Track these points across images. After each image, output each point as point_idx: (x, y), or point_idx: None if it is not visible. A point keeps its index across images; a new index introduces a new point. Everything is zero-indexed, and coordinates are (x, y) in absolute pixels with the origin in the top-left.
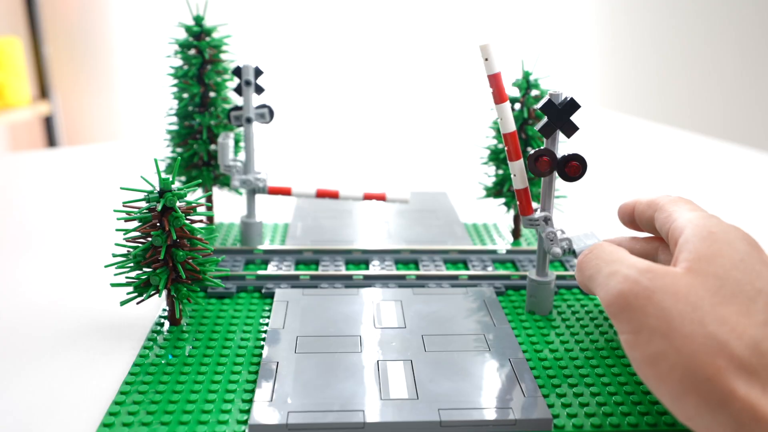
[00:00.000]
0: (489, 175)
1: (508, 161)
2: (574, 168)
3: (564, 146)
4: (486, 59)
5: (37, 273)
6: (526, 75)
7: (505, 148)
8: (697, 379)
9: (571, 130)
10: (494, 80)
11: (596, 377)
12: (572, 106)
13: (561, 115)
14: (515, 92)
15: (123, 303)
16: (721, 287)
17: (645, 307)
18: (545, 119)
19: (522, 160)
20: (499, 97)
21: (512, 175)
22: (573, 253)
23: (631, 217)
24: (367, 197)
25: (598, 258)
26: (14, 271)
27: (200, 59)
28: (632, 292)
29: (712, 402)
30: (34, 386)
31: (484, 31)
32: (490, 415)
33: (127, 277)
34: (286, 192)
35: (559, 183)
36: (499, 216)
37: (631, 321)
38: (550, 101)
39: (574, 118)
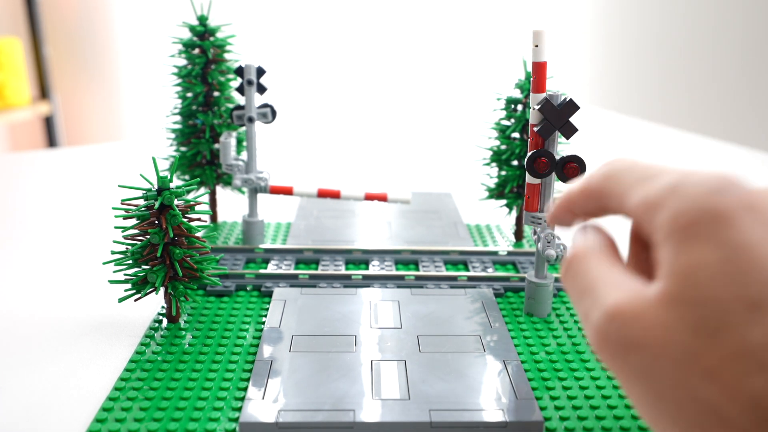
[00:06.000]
0: (491, 176)
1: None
2: (572, 170)
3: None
4: (536, 46)
5: (37, 271)
6: (529, 76)
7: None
8: None
9: (570, 131)
10: (539, 69)
11: (591, 380)
12: (571, 107)
13: (560, 116)
14: (517, 93)
15: (121, 300)
16: (703, 320)
17: (622, 367)
18: (544, 120)
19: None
20: (537, 86)
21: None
22: None
23: (571, 216)
24: (369, 197)
25: (574, 279)
26: (15, 270)
27: (204, 59)
28: (606, 347)
29: None
30: (34, 382)
31: (486, 31)
32: (481, 416)
33: (125, 275)
34: (287, 191)
35: (562, 185)
36: (502, 217)
37: (615, 371)
38: (548, 102)
39: (574, 119)
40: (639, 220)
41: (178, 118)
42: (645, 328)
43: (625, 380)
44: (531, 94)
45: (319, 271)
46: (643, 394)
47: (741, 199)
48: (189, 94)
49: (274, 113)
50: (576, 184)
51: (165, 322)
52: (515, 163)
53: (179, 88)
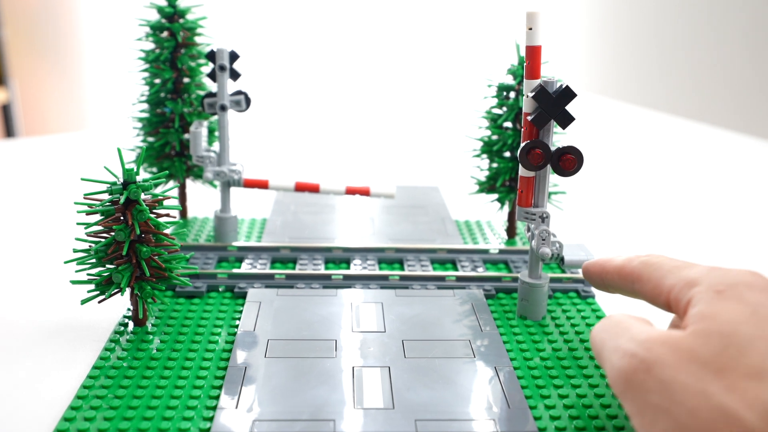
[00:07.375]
0: (482, 168)
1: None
2: (569, 161)
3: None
4: (530, 28)
5: None
6: (523, 61)
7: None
8: None
9: (566, 120)
10: (533, 53)
11: (589, 388)
12: (567, 94)
13: (555, 104)
14: (510, 80)
15: (84, 302)
16: (727, 347)
17: (644, 383)
18: (538, 109)
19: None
20: (531, 72)
21: None
22: (561, 260)
23: (601, 282)
24: (350, 191)
25: (604, 331)
26: None
27: (173, 42)
28: (630, 368)
29: None
30: None
31: (476, 14)
32: (471, 427)
33: (88, 274)
34: (263, 185)
35: (557, 178)
36: (493, 212)
37: (634, 400)
38: (543, 89)
39: (570, 107)
40: (675, 295)
41: (145, 106)
42: (673, 350)
43: (641, 399)
44: (524, 80)
45: (296, 271)
46: (657, 407)
47: (765, 279)
48: (157, 81)
49: (248, 101)
50: (613, 261)
51: (131, 325)
52: (507, 154)
53: (146, 74)
